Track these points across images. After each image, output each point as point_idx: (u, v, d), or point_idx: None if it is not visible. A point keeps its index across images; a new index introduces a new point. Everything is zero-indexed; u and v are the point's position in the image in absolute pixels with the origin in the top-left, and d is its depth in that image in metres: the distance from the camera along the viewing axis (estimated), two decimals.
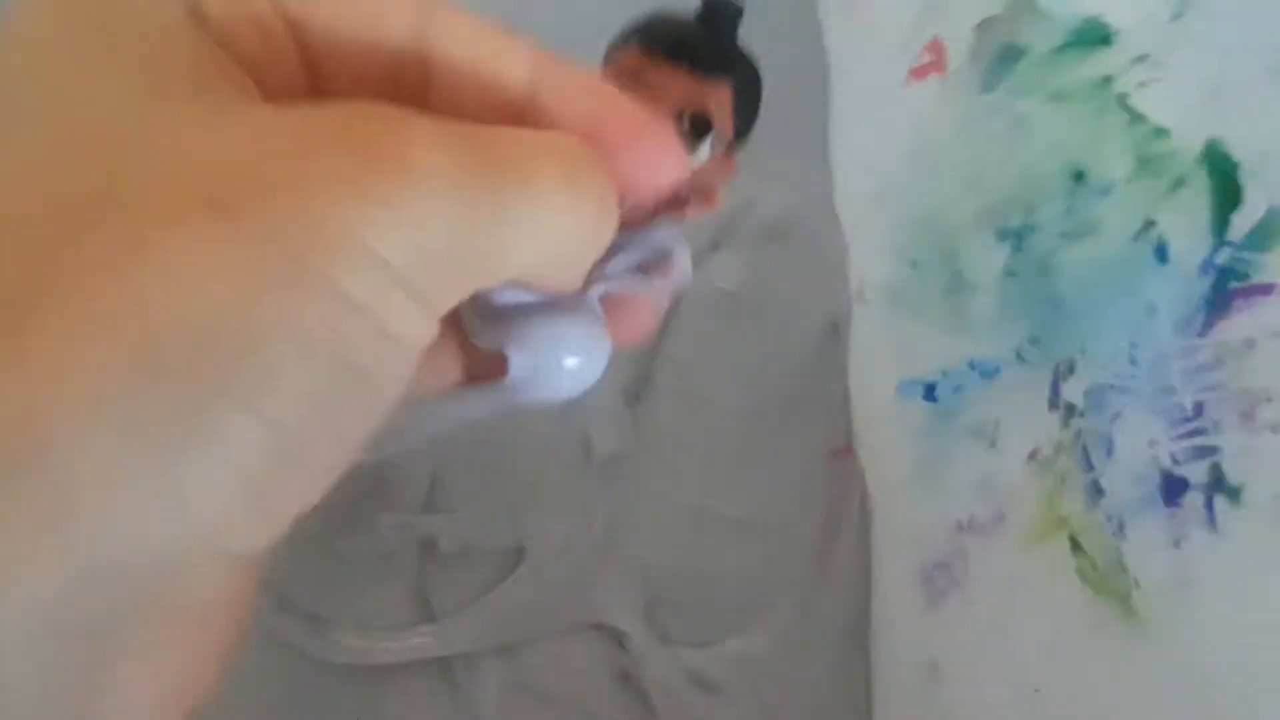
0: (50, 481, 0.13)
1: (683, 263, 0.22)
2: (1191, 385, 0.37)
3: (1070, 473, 0.41)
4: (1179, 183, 0.39)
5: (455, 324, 0.21)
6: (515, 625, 0.53)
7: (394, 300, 0.15)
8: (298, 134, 0.16)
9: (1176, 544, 0.36)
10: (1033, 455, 0.44)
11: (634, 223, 0.22)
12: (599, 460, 0.56)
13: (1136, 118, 0.41)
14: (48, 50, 0.16)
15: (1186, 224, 0.39)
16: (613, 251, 0.21)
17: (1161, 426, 0.38)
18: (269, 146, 0.15)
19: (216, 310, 0.14)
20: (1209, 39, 0.39)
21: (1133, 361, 0.40)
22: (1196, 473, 0.36)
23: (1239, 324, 0.35)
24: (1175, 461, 0.37)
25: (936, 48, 0.56)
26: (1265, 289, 0.34)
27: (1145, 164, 0.41)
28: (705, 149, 0.46)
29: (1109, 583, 0.39)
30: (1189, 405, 0.37)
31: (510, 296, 0.20)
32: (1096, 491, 0.40)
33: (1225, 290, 0.36)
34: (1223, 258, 0.36)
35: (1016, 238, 0.47)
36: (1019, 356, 0.46)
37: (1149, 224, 0.40)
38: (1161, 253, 0.39)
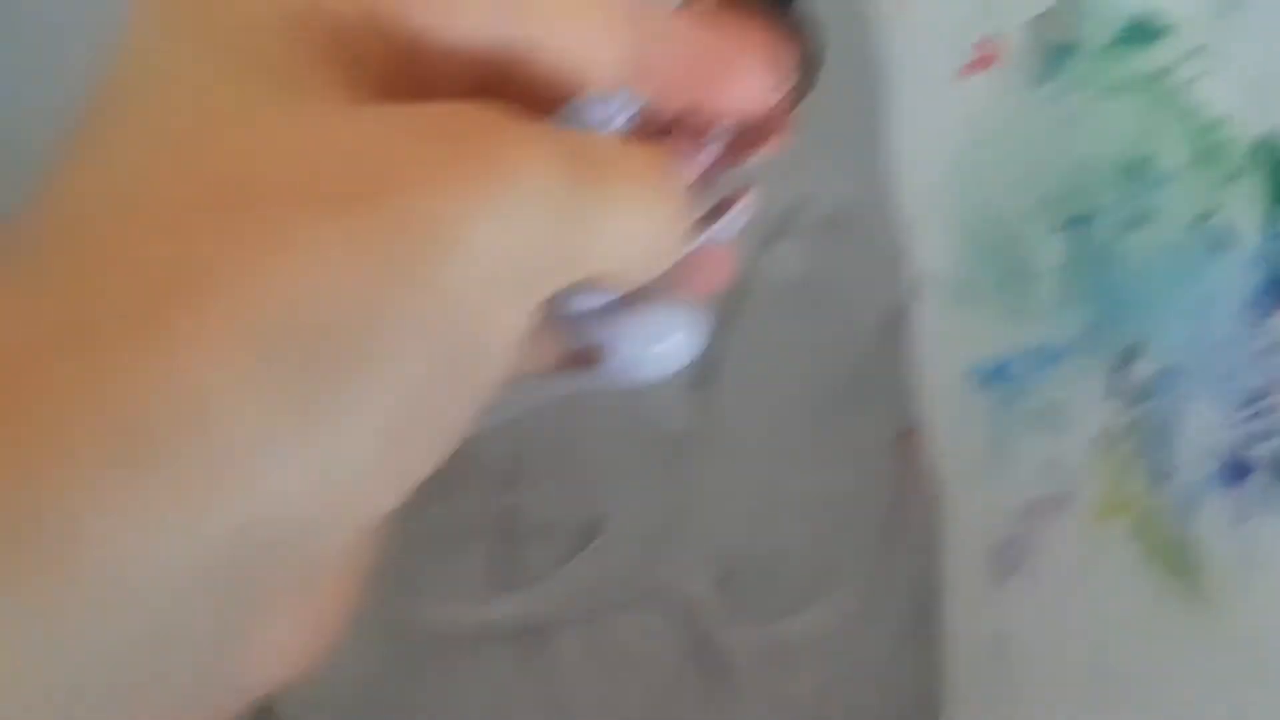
0: (209, 450, 0.14)
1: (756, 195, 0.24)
2: (1254, 369, 0.38)
3: (1135, 456, 0.43)
4: (1236, 172, 0.40)
5: (553, 311, 0.22)
6: (592, 597, 0.55)
7: (494, 293, 0.16)
8: (409, 133, 0.17)
9: (1240, 524, 0.38)
10: (1097, 439, 0.45)
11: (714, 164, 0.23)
12: (671, 440, 0.57)
13: (1192, 109, 0.43)
14: (164, 54, 0.17)
15: (1244, 212, 0.40)
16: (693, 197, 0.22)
17: (1224, 410, 0.39)
18: (383, 144, 0.16)
19: (338, 302, 0.15)
20: (1263, 31, 0.41)
21: (1195, 347, 0.41)
22: (1260, 454, 0.37)
23: None
24: (1240, 443, 0.38)
25: (988, 44, 0.57)
26: None
27: (1202, 154, 0.42)
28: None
29: (1174, 562, 0.40)
30: (1253, 388, 0.38)
31: (591, 299, 0.21)
32: (1161, 474, 0.41)
33: None
34: None
35: (1076, 227, 0.48)
36: (1082, 342, 0.47)
37: (1207, 213, 0.41)
38: (1220, 241, 0.41)
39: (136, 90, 0.17)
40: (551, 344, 0.22)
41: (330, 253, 0.15)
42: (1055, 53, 0.51)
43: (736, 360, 0.59)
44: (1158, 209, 0.44)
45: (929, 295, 0.60)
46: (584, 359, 0.22)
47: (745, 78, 0.22)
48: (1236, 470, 0.38)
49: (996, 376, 0.52)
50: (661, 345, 0.22)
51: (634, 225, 0.19)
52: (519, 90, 0.20)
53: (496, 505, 0.56)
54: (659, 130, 0.24)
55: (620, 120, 0.21)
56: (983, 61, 0.57)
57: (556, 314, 0.21)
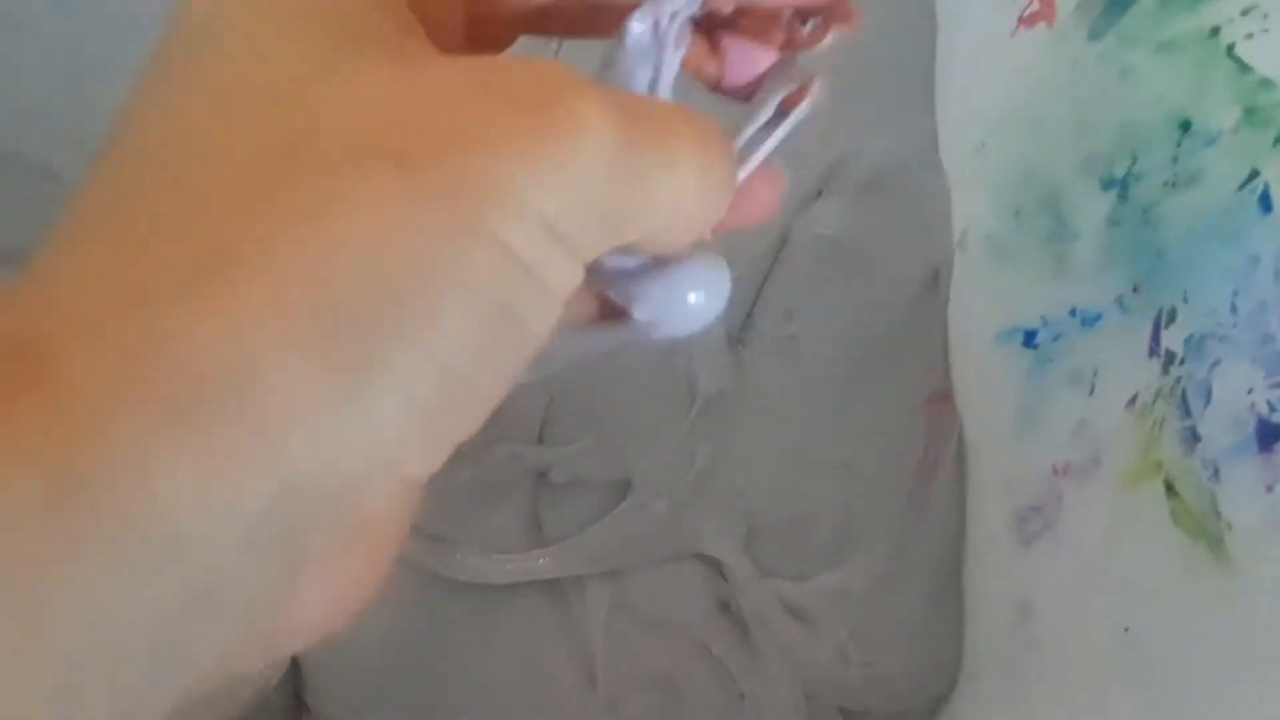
0: (259, 408, 0.14)
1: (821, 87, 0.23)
2: None
3: (1168, 419, 0.42)
4: None
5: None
6: (621, 553, 0.55)
7: (548, 250, 0.17)
8: (473, 89, 0.17)
9: (1270, 489, 0.37)
10: (1131, 402, 0.45)
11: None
12: (702, 399, 0.58)
13: (1243, 68, 0.41)
14: (230, 5, 0.18)
15: None
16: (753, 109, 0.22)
17: (1260, 374, 0.38)
18: (447, 101, 0.17)
19: (394, 261, 0.15)
20: None
21: (1234, 310, 0.40)
22: None
23: None
24: (1271, 408, 0.37)
25: None
26: None
27: (1251, 114, 0.41)
28: None
29: (1202, 526, 0.40)
30: None
31: (626, 255, 0.21)
32: (1193, 437, 0.41)
33: None
34: None
35: (1121, 186, 0.47)
36: (1120, 304, 0.46)
37: (1254, 174, 0.40)
38: (1266, 203, 0.40)
39: (202, 44, 0.17)
40: (585, 297, 0.23)
41: (388, 210, 0.15)
42: (1111, 6, 0.50)
43: (770, 320, 0.59)
44: (1204, 169, 0.43)
45: (968, 255, 0.59)
46: (617, 313, 0.22)
47: None
48: (1268, 435, 0.37)
49: (1032, 338, 0.52)
50: (693, 300, 0.22)
51: (684, 187, 0.19)
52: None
53: (529, 462, 0.57)
54: (723, 21, 0.24)
55: (687, 12, 0.21)
56: (1038, 16, 0.56)
57: (591, 268, 0.22)
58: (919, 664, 0.54)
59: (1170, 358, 0.43)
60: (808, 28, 0.24)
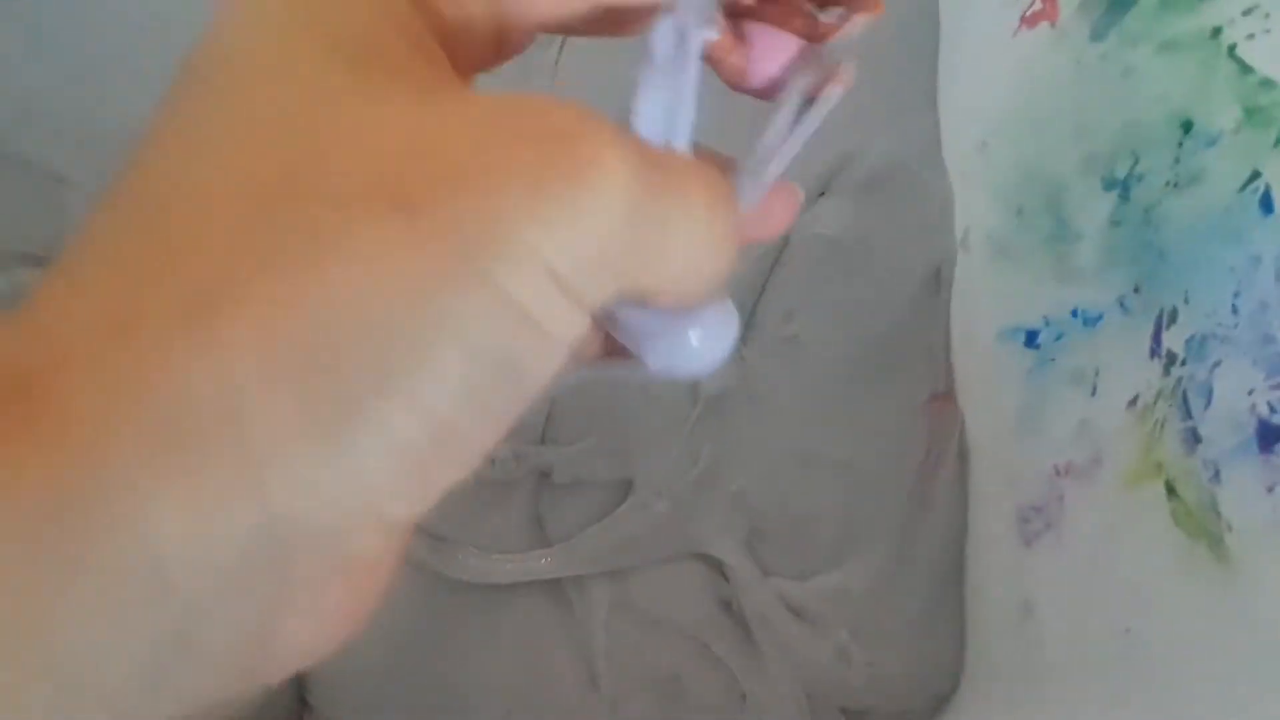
0: (241, 447, 0.14)
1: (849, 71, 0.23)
2: None
3: (1168, 419, 0.42)
4: None
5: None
6: (623, 552, 0.56)
7: (553, 300, 0.16)
8: (487, 128, 0.16)
9: (1270, 490, 0.37)
10: (1132, 402, 0.45)
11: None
12: (704, 399, 0.58)
13: (1244, 69, 0.41)
14: (258, 25, 0.17)
15: None
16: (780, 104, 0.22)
17: (1260, 375, 0.38)
18: (459, 137, 0.16)
19: (383, 304, 0.15)
20: None
21: (1235, 311, 0.40)
22: None
23: None
24: (1272, 409, 0.37)
25: None
26: None
27: (1252, 115, 0.41)
28: None
29: (1203, 526, 0.40)
30: None
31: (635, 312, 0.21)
32: (1194, 438, 0.41)
33: None
34: None
35: (1122, 187, 0.47)
36: (1122, 305, 0.46)
37: (1255, 175, 0.40)
38: (1267, 203, 0.40)
39: (222, 71, 0.17)
40: (591, 334, 0.22)
41: (382, 252, 0.15)
42: (1113, 6, 0.50)
43: (772, 320, 0.59)
44: (1205, 170, 0.43)
45: (970, 254, 0.59)
46: (622, 352, 0.22)
47: None
48: (1268, 436, 0.37)
49: (1034, 338, 0.52)
50: (701, 347, 0.22)
51: (698, 239, 0.18)
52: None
53: (532, 462, 0.57)
54: (744, 11, 0.23)
55: (696, 23, 0.21)
56: (1041, 16, 0.56)
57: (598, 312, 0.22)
58: (921, 664, 0.54)
59: (1171, 358, 0.43)
60: (832, 17, 0.24)
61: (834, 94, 0.23)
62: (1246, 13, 0.42)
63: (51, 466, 0.14)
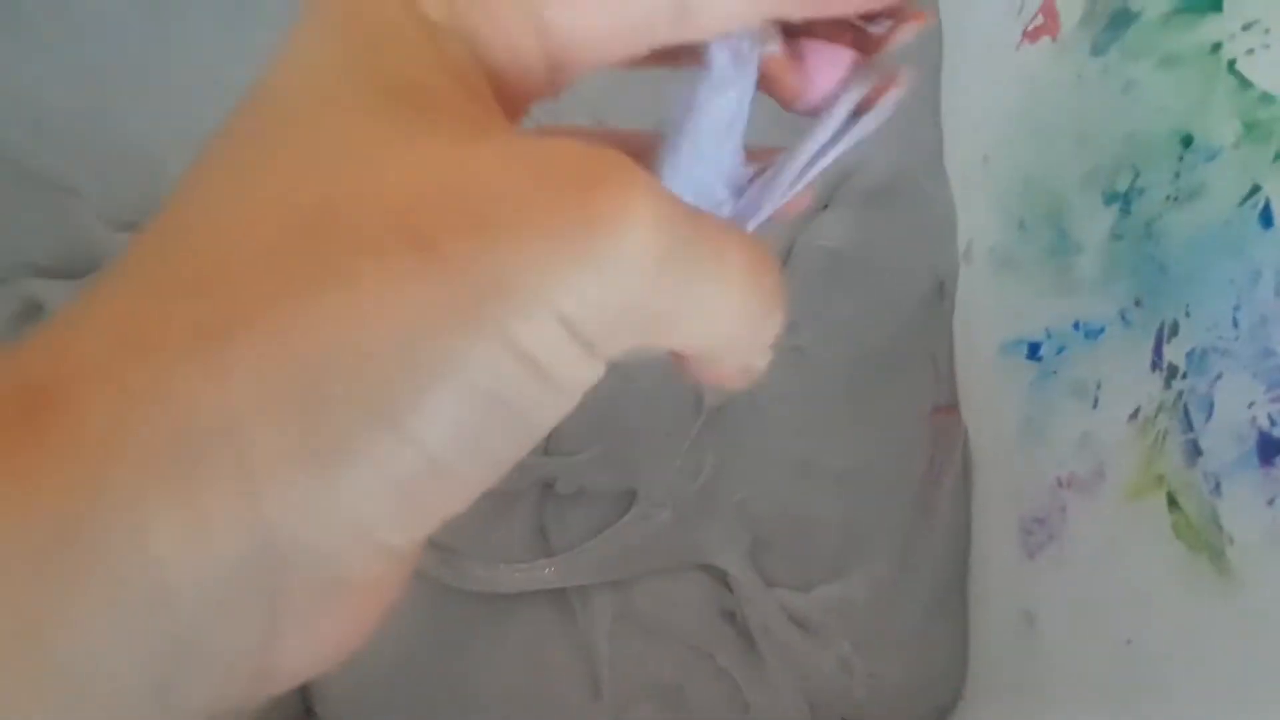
0: (240, 470, 0.14)
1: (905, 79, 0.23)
2: None
3: (1170, 432, 0.42)
4: None
5: None
6: (626, 562, 0.56)
7: (563, 351, 0.16)
8: (518, 170, 0.16)
9: (1270, 502, 0.37)
10: (1134, 415, 0.45)
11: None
12: (707, 410, 0.58)
13: (1244, 84, 0.42)
14: (311, 65, 0.18)
15: None
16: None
17: (1261, 388, 0.38)
18: (486, 180, 0.16)
19: (386, 339, 0.15)
20: None
21: (1235, 324, 0.40)
22: None
23: None
24: (1272, 422, 0.38)
25: (1050, 9, 0.56)
26: None
27: (1252, 129, 0.41)
28: None
29: (1204, 539, 0.40)
30: None
31: None
32: (1195, 451, 0.41)
33: None
34: None
35: (1123, 200, 0.48)
36: (1123, 318, 0.47)
37: (1255, 189, 0.41)
38: (1267, 217, 0.40)
39: (271, 107, 0.17)
40: None
41: (392, 288, 0.15)
42: (1115, 20, 0.50)
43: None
44: (1206, 184, 0.43)
45: (973, 267, 0.59)
46: None
47: None
48: (1269, 449, 0.37)
49: (1036, 350, 0.52)
50: None
51: (732, 306, 0.18)
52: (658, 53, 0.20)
53: (536, 472, 0.57)
54: (794, 31, 0.23)
55: (752, 48, 0.21)
56: (1043, 30, 0.56)
57: None
58: (923, 674, 0.54)
59: (1172, 371, 0.43)
60: (880, 28, 0.24)
61: (893, 99, 0.23)
62: (1246, 28, 0.42)
63: (60, 481, 0.14)
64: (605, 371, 0.18)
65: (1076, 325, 0.49)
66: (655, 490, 0.57)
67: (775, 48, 0.22)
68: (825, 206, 0.62)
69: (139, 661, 0.14)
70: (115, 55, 0.62)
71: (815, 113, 0.24)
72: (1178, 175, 0.45)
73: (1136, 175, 0.47)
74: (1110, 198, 0.48)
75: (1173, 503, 0.41)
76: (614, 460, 0.58)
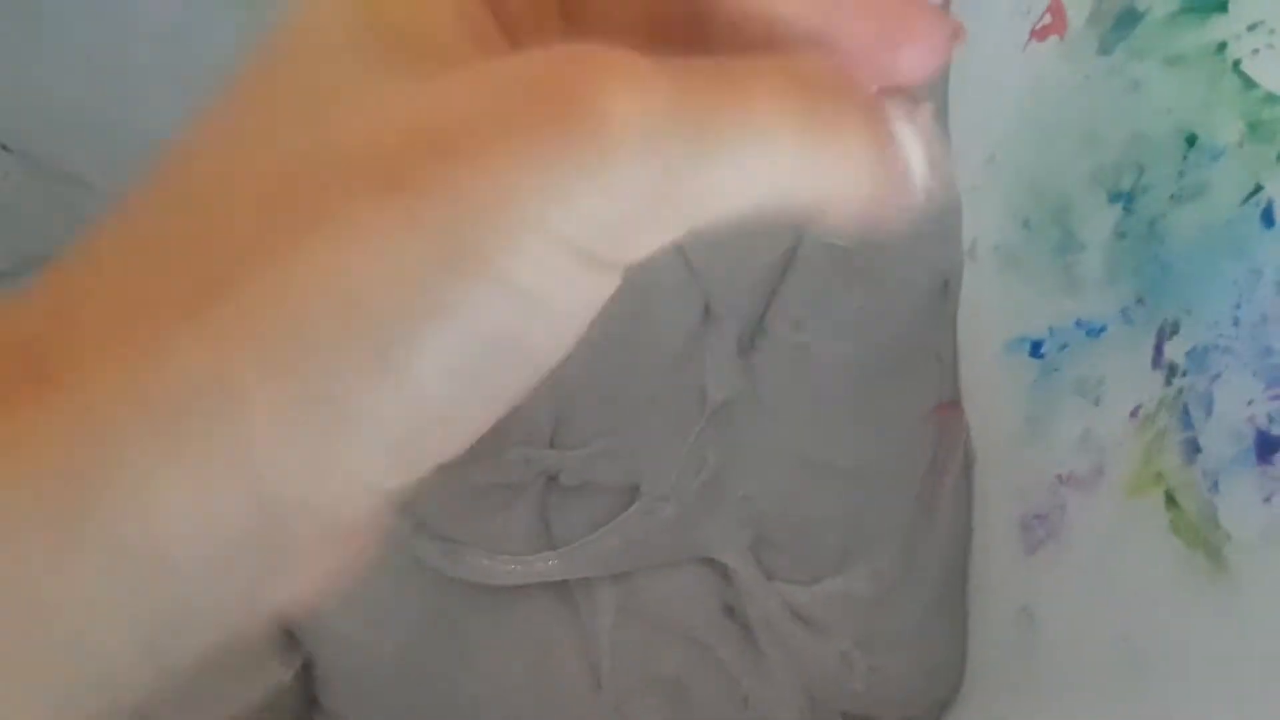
0: (236, 429, 0.14)
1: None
2: None
3: (1170, 430, 0.43)
4: None
5: None
6: (629, 556, 0.56)
7: (565, 272, 0.15)
8: (494, 91, 0.15)
9: (1268, 500, 0.37)
10: (1135, 412, 0.45)
11: None
12: (711, 406, 0.58)
13: (1249, 83, 0.42)
14: (304, 21, 0.17)
15: None
16: None
17: (1260, 386, 0.39)
18: (462, 106, 0.15)
19: (377, 291, 0.14)
20: None
21: (1236, 323, 0.40)
22: None
23: None
24: (1271, 420, 0.38)
25: (1058, 9, 0.56)
26: None
27: (1256, 129, 0.41)
28: None
29: (1202, 536, 0.40)
30: None
31: None
32: (1194, 449, 0.41)
33: None
34: None
35: (1127, 199, 0.48)
36: (1125, 316, 0.47)
37: (1258, 188, 0.41)
38: (1268, 217, 0.40)
39: (272, 59, 0.17)
40: None
41: (379, 236, 0.14)
42: (1121, 20, 0.50)
43: (781, 327, 0.60)
44: (1209, 183, 0.43)
45: (978, 265, 0.60)
46: None
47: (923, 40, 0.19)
48: (1267, 447, 0.38)
49: (1039, 348, 0.52)
50: None
51: (778, 154, 0.16)
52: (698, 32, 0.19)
53: (540, 465, 0.57)
54: None
55: None
56: (1050, 29, 0.56)
57: None
58: (923, 669, 0.55)
59: (1173, 369, 0.43)
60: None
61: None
62: (1252, 28, 0.42)
63: (61, 440, 0.14)
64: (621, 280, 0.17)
65: (1079, 323, 0.49)
66: (659, 484, 0.57)
67: None
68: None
69: (135, 623, 0.15)
70: (126, 46, 0.62)
71: None
72: (1181, 174, 0.45)
73: (1141, 174, 0.47)
74: (1114, 196, 0.49)
75: (1171, 500, 0.42)
76: (618, 454, 0.58)
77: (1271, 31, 0.41)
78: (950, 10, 0.67)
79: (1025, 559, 0.50)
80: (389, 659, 0.55)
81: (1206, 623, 0.39)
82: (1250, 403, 0.39)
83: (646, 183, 0.15)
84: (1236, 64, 0.43)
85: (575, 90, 0.14)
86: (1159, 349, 0.44)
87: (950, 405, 0.59)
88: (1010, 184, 0.57)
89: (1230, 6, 0.44)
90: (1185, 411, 0.42)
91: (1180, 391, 0.42)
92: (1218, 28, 0.44)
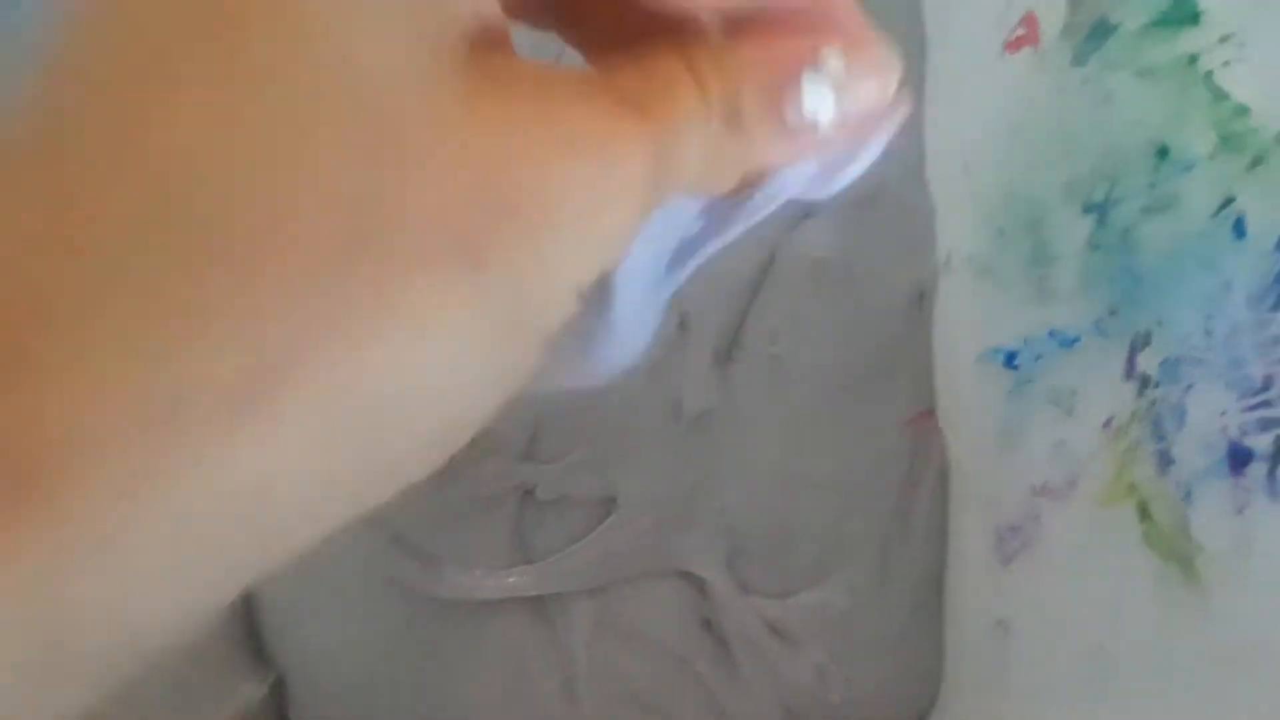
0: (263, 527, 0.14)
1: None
2: (1262, 358, 0.38)
3: (1142, 441, 0.43)
4: (1258, 160, 0.40)
5: None
6: (605, 569, 0.56)
7: (567, 308, 0.15)
8: (537, 144, 0.14)
9: (1240, 511, 0.37)
10: (1107, 423, 0.45)
11: None
12: (688, 418, 0.58)
13: (1220, 95, 0.42)
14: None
15: (1264, 201, 0.39)
16: None
17: (1232, 398, 0.39)
18: (512, 160, 0.14)
19: (437, 373, 0.14)
20: None
21: (1207, 334, 0.41)
22: (1262, 443, 0.37)
23: None
24: (1243, 432, 0.38)
25: (1032, 20, 0.56)
26: None
27: (1227, 141, 0.41)
28: None
29: (1174, 548, 0.40)
30: (1259, 378, 0.38)
31: None
32: (1166, 460, 0.41)
33: None
34: None
35: (1100, 210, 0.48)
36: (1098, 327, 0.47)
37: (1228, 200, 0.41)
38: (1239, 229, 0.40)
39: (293, 19, 0.15)
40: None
41: (444, 314, 0.14)
42: (1095, 31, 0.51)
43: (757, 338, 0.60)
44: (1180, 195, 0.44)
45: (952, 275, 0.60)
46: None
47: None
48: (1239, 458, 0.38)
49: (1012, 358, 0.52)
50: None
51: (759, 141, 0.17)
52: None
53: (516, 479, 0.57)
54: None
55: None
56: (1024, 40, 0.57)
57: None
58: (899, 681, 0.55)
59: (1145, 380, 0.43)
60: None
61: (894, 122, 0.23)
62: (1223, 40, 0.42)
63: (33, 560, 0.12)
64: None
65: (1053, 334, 0.50)
66: (636, 497, 0.57)
67: None
68: (807, 215, 0.63)
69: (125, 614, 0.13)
70: None
71: None
72: (1153, 186, 0.45)
73: (1113, 185, 0.47)
74: (1087, 207, 0.49)
75: (1144, 512, 0.42)
76: (595, 467, 0.58)
77: (1243, 44, 0.41)
78: (924, 20, 0.68)
79: (1000, 570, 0.50)
80: (362, 675, 0.54)
81: (1180, 636, 0.39)
82: (1222, 414, 0.39)
83: (640, 218, 0.16)
84: (1208, 76, 0.43)
85: (613, 151, 0.15)
86: (1131, 360, 0.44)
87: (926, 416, 0.59)
88: (985, 194, 0.58)
89: (1202, 19, 0.44)
90: (1158, 423, 0.42)
91: (1153, 403, 0.42)
92: (1190, 40, 0.44)
